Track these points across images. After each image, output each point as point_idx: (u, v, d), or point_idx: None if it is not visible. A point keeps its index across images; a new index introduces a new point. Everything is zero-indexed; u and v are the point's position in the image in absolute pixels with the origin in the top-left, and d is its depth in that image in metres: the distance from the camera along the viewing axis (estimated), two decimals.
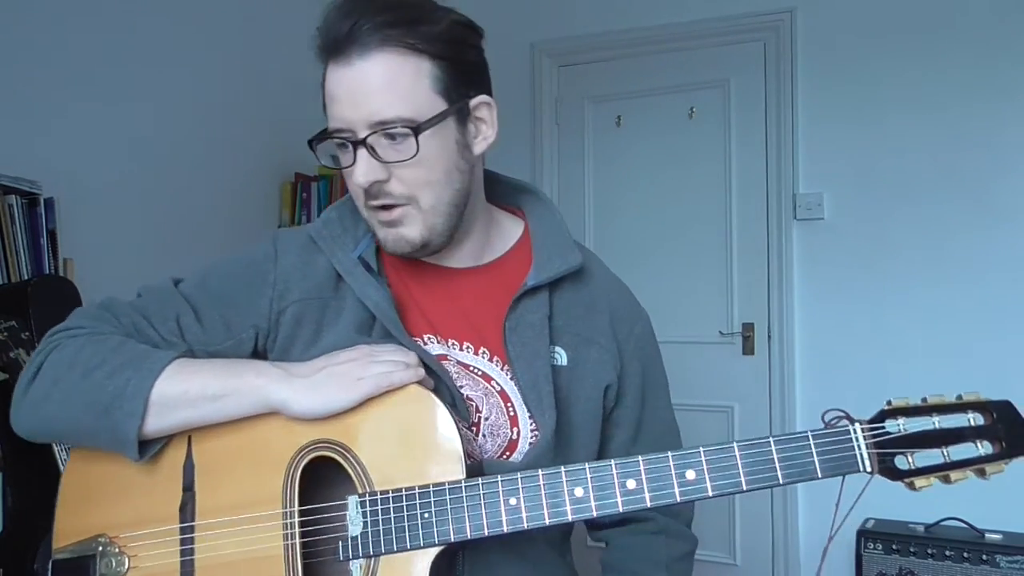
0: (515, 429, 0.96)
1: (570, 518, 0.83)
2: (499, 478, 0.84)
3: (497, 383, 0.97)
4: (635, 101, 3.36)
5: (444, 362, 0.96)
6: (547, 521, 0.83)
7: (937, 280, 2.88)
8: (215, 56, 2.90)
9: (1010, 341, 2.76)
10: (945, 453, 0.80)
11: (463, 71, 0.91)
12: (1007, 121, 2.81)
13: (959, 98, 2.87)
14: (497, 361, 0.98)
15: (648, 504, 0.83)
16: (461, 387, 0.96)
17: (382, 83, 0.86)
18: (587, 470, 0.84)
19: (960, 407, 0.82)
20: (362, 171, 0.89)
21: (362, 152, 0.88)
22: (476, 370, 0.97)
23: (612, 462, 0.84)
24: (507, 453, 0.96)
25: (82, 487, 0.96)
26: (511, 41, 3.39)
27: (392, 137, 0.88)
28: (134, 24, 2.56)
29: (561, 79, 3.52)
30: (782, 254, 3.11)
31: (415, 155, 0.88)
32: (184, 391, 0.89)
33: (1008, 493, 2.72)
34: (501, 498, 0.84)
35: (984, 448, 0.80)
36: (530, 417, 0.96)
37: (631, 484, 0.83)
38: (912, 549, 2.58)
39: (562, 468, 0.84)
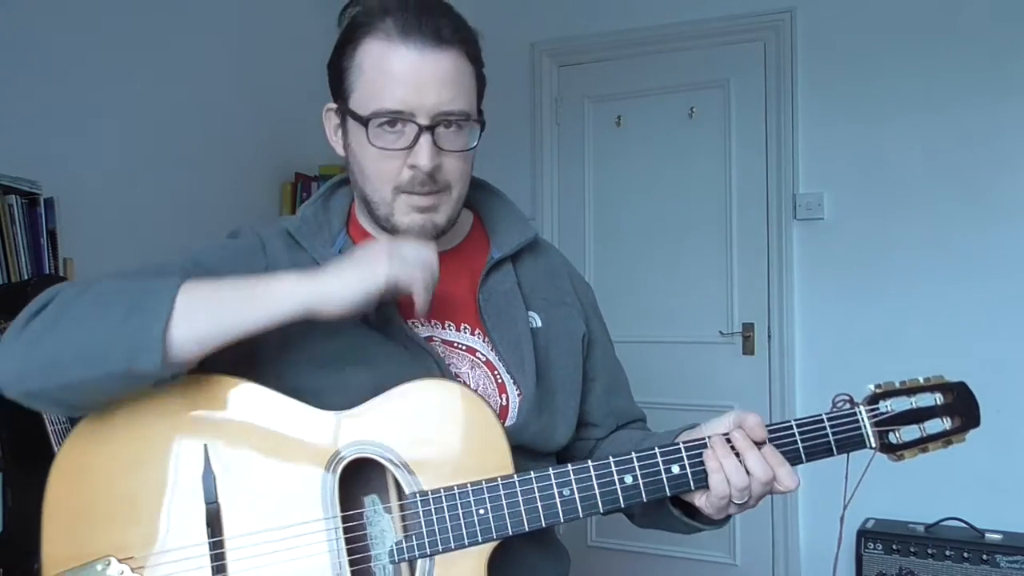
0: (504, 395, 1.01)
1: (623, 504, 0.88)
2: (551, 470, 0.88)
3: (481, 354, 1.02)
4: (635, 101, 3.36)
5: (432, 344, 1.00)
6: (602, 509, 0.88)
7: (937, 280, 2.88)
8: (215, 56, 2.90)
9: (1010, 341, 2.76)
10: (922, 428, 0.94)
11: (484, 85, 1.01)
12: (1007, 121, 2.81)
13: (959, 98, 2.87)
14: (478, 333, 1.03)
15: (692, 488, 0.89)
16: (450, 365, 0.99)
17: (452, 77, 0.93)
18: (634, 459, 0.88)
19: (928, 388, 0.95)
20: (428, 154, 0.93)
21: (427, 137, 0.93)
22: (460, 345, 1.02)
23: (657, 450, 0.89)
24: (500, 419, 0.99)
25: (74, 505, 0.85)
26: (511, 41, 3.39)
27: (450, 126, 0.94)
28: (134, 25, 2.56)
29: (561, 79, 3.52)
30: (782, 254, 3.11)
31: (474, 146, 0.97)
32: (214, 290, 0.83)
33: (1008, 493, 2.73)
34: (555, 490, 0.87)
35: (948, 423, 0.95)
36: (513, 381, 1.01)
37: (676, 469, 0.89)
38: (912, 549, 2.57)
39: (611, 458, 0.88)
